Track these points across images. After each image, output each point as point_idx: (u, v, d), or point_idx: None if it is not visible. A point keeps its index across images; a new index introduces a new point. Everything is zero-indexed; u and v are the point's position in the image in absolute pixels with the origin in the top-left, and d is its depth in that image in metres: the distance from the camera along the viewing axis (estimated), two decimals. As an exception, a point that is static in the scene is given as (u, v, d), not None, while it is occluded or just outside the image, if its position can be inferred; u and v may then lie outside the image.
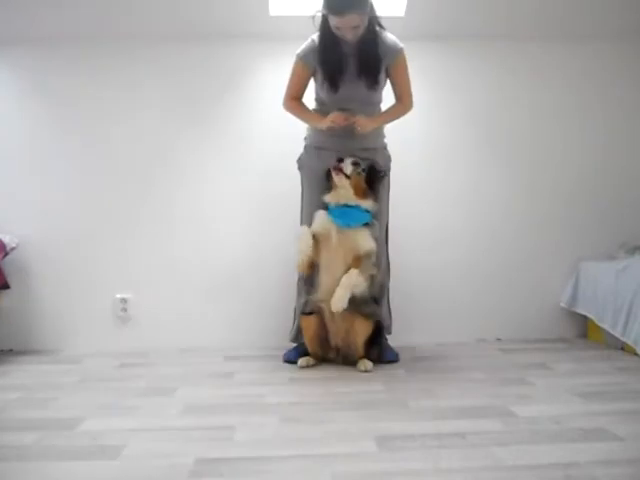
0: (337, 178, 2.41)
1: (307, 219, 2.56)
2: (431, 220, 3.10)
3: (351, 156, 2.44)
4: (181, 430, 1.65)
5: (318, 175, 2.53)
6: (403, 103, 2.56)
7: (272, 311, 2.93)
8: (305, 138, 2.66)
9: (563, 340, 3.01)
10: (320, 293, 2.42)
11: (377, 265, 2.46)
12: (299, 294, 2.61)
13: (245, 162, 3.08)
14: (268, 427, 1.66)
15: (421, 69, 2.84)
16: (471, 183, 3.13)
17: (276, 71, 2.77)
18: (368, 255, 2.38)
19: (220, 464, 1.39)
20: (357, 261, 2.36)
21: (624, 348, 2.64)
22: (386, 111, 2.57)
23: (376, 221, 2.47)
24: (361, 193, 2.44)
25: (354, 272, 2.32)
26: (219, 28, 2.99)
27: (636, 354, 2.48)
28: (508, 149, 3.16)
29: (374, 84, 2.45)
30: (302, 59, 2.48)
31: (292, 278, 2.66)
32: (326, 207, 2.47)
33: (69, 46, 3.04)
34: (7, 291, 2.89)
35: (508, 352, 2.73)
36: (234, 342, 2.92)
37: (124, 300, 3.01)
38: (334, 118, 2.42)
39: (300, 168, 2.67)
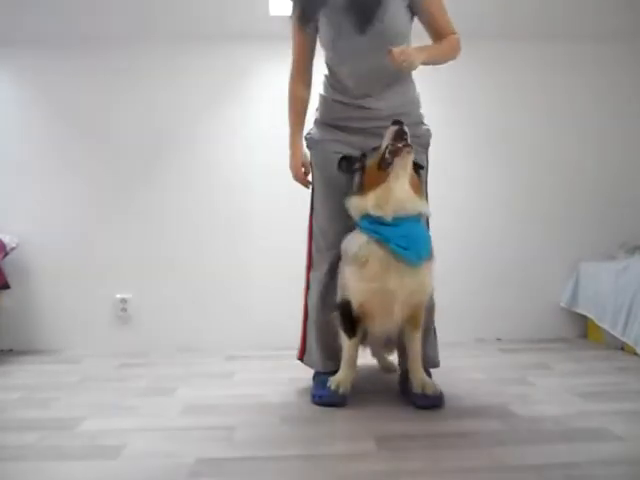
0: (399, 161, 1.65)
1: (320, 211, 1.97)
2: (431, 220, 3.09)
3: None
4: (181, 430, 1.65)
5: (334, 155, 1.89)
6: (451, 39, 1.85)
7: (272, 311, 2.93)
8: (317, 109, 2.04)
9: (563, 340, 3.01)
10: (365, 340, 1.97)
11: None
12: (319, 309, 1.98)
13: (246, 161, 3.08)
14: (268, 427, 1.66)
15: (421, 69, 2.83)
16: (471, 183, 3.13)
17: (276, 71, 2.76)
18: (428, 301, 1.83)
19: (220, 464, 1.39)
20: (417, 316, 1.79)
21: (624, 348, 2.64)
22: (436, 45, 1.86)
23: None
24: (416, 187, 1.74)
25: (418, 340, 1.82)
26: (219, 28, 2.99)
27: (636, 354, 2.48)
28: (508, 149, 3.16)
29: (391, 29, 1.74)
30: (294, 14, 1.95)
31: (292, 278, 2.65)
32: (346, 220, 1.78)
33: (69, 46, 3.04)
34: (7, 291, 2.89)
35: (508, 352, 2.73)
36: (234, 342, 2.92)
37: (124, 300, 3.01)
38: None
39: (310, 147, 2.03)
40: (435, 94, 3.12)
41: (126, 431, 1.64)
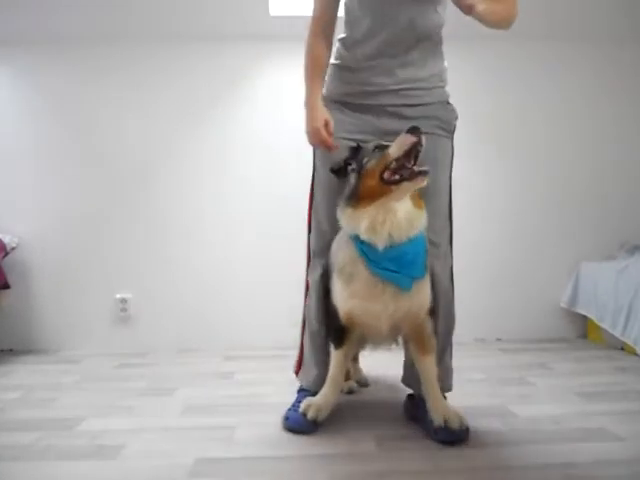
0: (409, 185, 1.43)
1: (320, 204, 1.73)
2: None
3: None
4: (181, 430, 1.65)
5: (340, 140, 1.66)
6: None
7: (272, 311, 2.93)
8: (324, 84, 1.79)
9: (563, 340, 3.01)
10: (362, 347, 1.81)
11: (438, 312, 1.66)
12: (310, 322, 1.79)
13: (245, 161, 3.08)
14: (268, 427, 1.66)
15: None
16: (471, 183, 3.13)
17: (276, 71, 2.77)
18: (428, 314, 1.58)
19: (220, 464, 1.39)
20: (422, 338, 1.57)
21: (624, 348, 2.64)
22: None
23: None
24: (418, 199, 1.50)
25: (431, 365, 1.59)
26: (219, 28, 2.99)
27: (636, 354, 2.48)
28: (508, 149, 3.16)
29: None
30: None
31: (292, 278, 2.65)
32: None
33: (70, 47, 3.04)
34: (7, 291, 2.89)
35: (508, 352, 2.73)
36: (234, 342, 2.92)
37: (124, 300, 3.01)
38: None
39: None
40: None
41: (126, 431, 1.64)
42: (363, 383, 2.13)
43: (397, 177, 1.44)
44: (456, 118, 1.74)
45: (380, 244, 1.43)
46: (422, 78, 1.65)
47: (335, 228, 1.62)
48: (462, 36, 3.08)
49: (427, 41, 1.64)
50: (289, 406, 1.71)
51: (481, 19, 1.54)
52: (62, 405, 1.95)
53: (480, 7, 1.48)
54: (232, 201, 3.06)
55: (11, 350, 2.96)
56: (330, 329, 1.64)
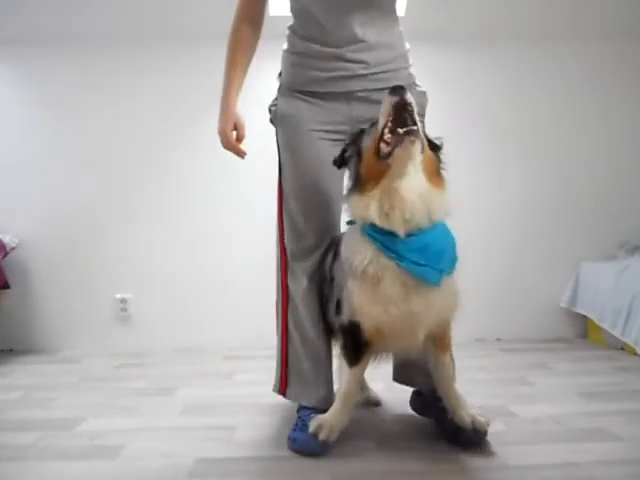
0: (401, 152, 1.24)
1: (293, 205, 1.55)
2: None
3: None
4: (181, 430, 1.65)
5: (309, 132, 1.52)
6: None
7: (272, 311, 2.92)
8: (280, 74, 1.68)
9: (563, 340, 3.01)
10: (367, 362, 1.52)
11: None
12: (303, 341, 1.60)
13: (245, 162, 3.07)
14: (268, 427, 1.66)
15: (421, 69, 2.82)
16: (471, 183, 3.12)
17: (276, 71, 2.76)
18: (454, 318, 1.51)
19: (220, 464, 1.39)
20: (446, 336, 1.51)
21: (624, 348, 2.64)
22: None
23: None
24: (433, 172, 1.33)
25: (448, 364, 1.51)
26: (218, 28, 2.98)
27: (636, 354, 2.48)
28: (508, 149, 3.15)
29: None
30: None
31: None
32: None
33: (69, 46, 3.04)
34: (7, 291, 2.89)
35: (508, 352, 2.73)
36: (234, 342, 2.92)
37: (124, 300, 3.01)
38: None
39: (275, 121, 1.63)
40: (436, 95, 3.11)
41: (126, 431, 1.64)
42: (374, 402, 1.91)
43: (389, 148, 1.25)
44: (426, 101, 1.64)
45: (400, 230, 1.26)
46: (389, 60, 1.53)
47: (313, 227, 1.52)
48: (462, 35, 3.10)
49: (384, 17, 1.52)
50: (292, 426, 1.53)
51: None
52: (62, 405, 1.95)
53: None
54: (232, 201, 3.06)
55: (11, 350, 2.96)
56: (347, 346, 1.44)
